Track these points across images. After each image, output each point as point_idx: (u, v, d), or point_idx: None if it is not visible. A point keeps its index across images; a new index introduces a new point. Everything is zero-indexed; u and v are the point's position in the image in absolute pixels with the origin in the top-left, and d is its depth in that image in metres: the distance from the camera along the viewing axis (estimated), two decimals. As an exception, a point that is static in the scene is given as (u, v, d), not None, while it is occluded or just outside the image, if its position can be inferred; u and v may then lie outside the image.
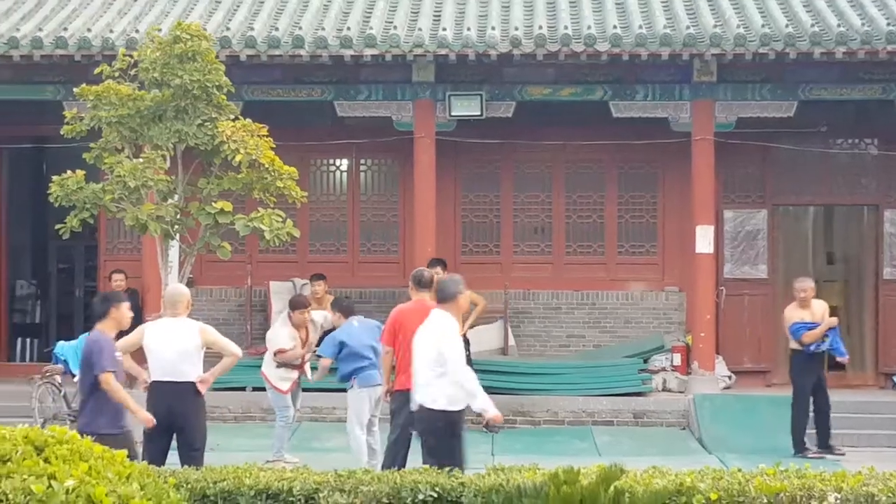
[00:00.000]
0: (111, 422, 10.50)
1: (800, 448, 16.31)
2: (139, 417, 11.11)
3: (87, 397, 10.69)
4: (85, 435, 9.84)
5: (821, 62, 18.47)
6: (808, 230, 21.53)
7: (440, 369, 10.43)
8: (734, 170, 20.67)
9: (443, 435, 10.45)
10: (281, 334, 15.31)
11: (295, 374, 15.34)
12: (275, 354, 15.24)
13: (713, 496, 7.01)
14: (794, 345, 16.58)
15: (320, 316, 15.73)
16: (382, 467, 11.74)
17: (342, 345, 14.28)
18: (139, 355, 11.87)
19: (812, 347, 16.37)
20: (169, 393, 11.31)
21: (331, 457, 14.83)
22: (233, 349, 11.58)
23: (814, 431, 16.68)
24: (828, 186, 21.00)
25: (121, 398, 10.67)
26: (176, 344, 11.33)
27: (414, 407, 10.86)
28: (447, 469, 7.64)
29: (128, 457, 8.13)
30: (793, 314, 16.60)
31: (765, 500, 7.07)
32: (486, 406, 10.59)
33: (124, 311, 10.96)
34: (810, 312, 16.53)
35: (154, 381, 11.42)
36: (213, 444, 13.19)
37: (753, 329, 20.72)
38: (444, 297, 10.86)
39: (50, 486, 5.49)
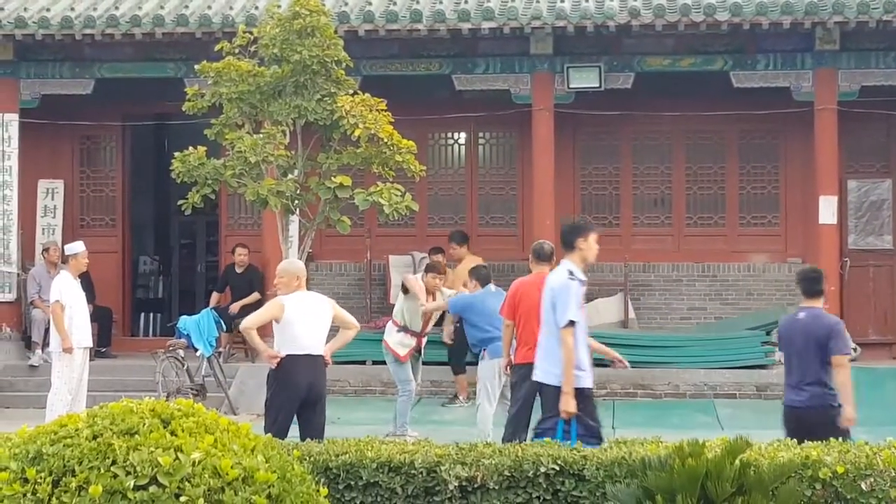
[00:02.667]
0: None
1: None
2: None
3: (820, 375, 10.74)
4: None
5: (948, 29, 18.11)
6: (935, 200, 21.11)
7: None
8: (858, 139, 20.32)
9: None
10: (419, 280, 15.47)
11: (413, 342, 15.36)
12: (404, 291, 15.28)
13: (840, 469, 6.93)
14: None
15: (450, 293, 15.70)
16: (503, 440, 11.72)
17: (470, 307, 14.19)
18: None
19: None
20: (310, 366, 11.36)
21: (451, 430, 14.89)
22: (354, 322, 11.67)
23: None
24: (955, 155, 20.60)
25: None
26: (314, 317, 11.41)
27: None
28: None
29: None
30: None
31: (893, 474, 6.98)
32: None
33: None
34: None
35: (292, 355, 11.41)
36: (333, 417, 13.29)
37: (879, 301, 20.41)
38: None
39: (177, 458, 5.55)
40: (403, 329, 15.36)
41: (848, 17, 17.86)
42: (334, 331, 11.91)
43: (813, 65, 19.01)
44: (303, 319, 11.43)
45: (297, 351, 11.40)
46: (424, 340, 15.63)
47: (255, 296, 19.29)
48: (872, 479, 6.93)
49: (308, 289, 12.02)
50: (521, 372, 12.70)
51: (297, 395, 11.38)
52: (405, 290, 15.56)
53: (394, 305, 18.61)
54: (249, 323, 11.84)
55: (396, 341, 15.36)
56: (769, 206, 20.89)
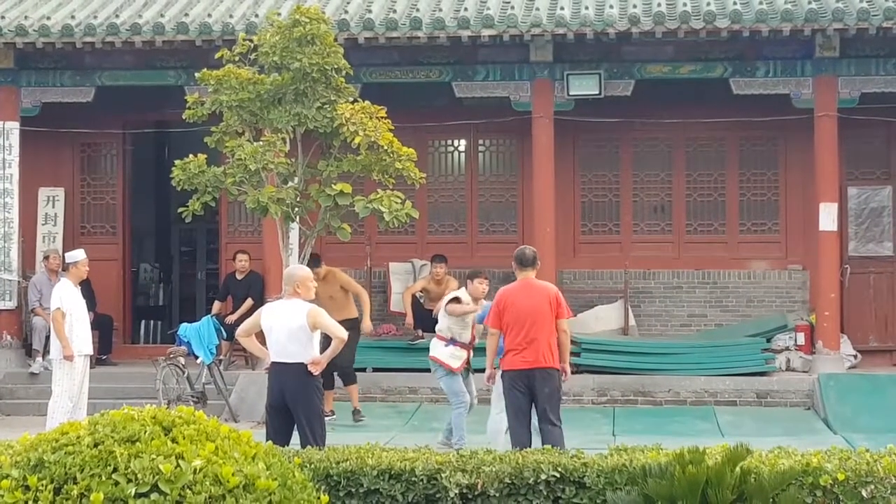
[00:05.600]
0: None
1: None
2: None
3: None
4: None
5: (947, 35, 18.10)
6: (935, 206, 21.11)
7: None
8: (858, 146, 20.34)
9: None
10: (462, 296, 14.83)
11: (465, 354, 14.70)
12: (446, 307, 14.69)
13: (840, 476, 6.93)
14: None
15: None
16: (513, 446, 11.70)
17: None
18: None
19: None
20: (280, 373, 11.47)
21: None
22: (337, 332, 11.53)
23: None
24: (955, 162, 20.60)
25: None
26: (283, 324, 11.43)
27: None
28: None
29: None
30: None
31: (893, 481, 6.98)
32: None
33: None
34: None
35: (271, 362, 11.59)
36: (334, 424, 13.27)
37: (879, 307, 20.41)
38: None
39: (178, 465, 5.56)
40: (452, 341, 14.68)
41: (848, 24, 17.85)
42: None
43: (813, 72, 19.00)
44: (271, 327, 11.54)
45: (272, 358, 11.62)
46: (471, 353, 14.90)
47: (249, 302, 19.25)
48: (873, 487, 6.94)
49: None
50: (507, 379, 12.57)
51: (270, 400, 11.60)
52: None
53: (395, 312, 18.60)
54: (240, 331, 12.16)
55: (448, 354, 14.64)
56: (769, 213, 20.90)
